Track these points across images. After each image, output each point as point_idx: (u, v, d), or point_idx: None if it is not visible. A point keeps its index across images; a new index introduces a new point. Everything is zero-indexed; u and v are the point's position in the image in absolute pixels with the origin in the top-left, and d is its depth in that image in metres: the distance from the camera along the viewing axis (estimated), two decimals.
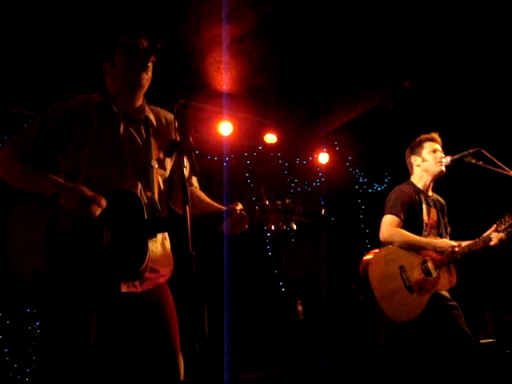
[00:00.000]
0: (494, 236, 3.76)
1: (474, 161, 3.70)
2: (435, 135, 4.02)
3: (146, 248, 2.28)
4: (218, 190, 6.07)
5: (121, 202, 2.32)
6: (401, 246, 3.74)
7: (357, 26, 4.88)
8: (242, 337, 5.71)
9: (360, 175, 7.66)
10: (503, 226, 3.77)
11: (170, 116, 2.65)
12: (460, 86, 5.82)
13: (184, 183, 2.01)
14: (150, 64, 2.46)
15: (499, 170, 3.59)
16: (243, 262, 6.25)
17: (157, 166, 2.48)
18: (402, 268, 3.69)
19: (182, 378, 2.33)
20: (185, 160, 2.08)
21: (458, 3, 4.60)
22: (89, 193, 2.25)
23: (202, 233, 2.34)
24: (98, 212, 2.25)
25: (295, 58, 5.39)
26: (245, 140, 6.70)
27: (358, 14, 4.75)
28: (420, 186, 3.94)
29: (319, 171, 7.37)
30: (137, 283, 2.32)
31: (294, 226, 2.42)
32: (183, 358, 2.37)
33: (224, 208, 2.44)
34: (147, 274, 2.31)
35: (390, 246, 3.77)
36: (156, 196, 2.44)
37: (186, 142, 2.10)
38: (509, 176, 3.58)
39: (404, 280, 3.66)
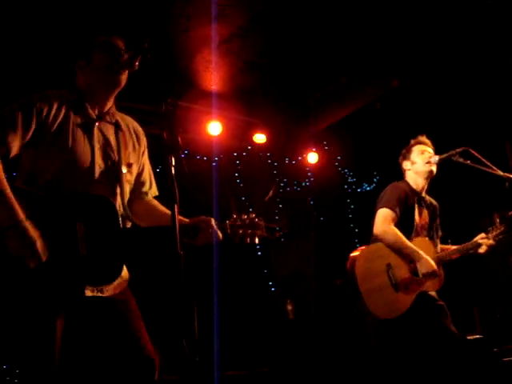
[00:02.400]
0: (484, 242, 3.76)
1: (461, 160, 3.72)
2: (423, 138, 4.04)
3: (121, 259, 2.28)
4: (206, 190, 6.08)
5: (95, 208, 2.27)
6: (389, 246, 3.73)
7: (346, 25, 4.90)
8: (231, 336, 5.71)
9: (349, 175, 7.68)
10: (494, 233, 3.77)
11: (136, 125, 2.64)
12: (448, 86, 5.85)
13: (172, 182, 2.01)
14: (136, 64, 2.43)
15: (487, 169, 3.61)
16: (232, 262, 6.24)
17: (126, 171, 2.45)
18: (388, 266, 3.70)
19: (156, 376, 2.31)
20: (173, 159, 2.07)
21: (447, 3, 4.62)
22: (36, 247, 2.11)
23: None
24: (33, 266, 2.12)
25: (284, 58, 5.40)
26: (234, 140, 6.70)
27: (348, 14, 4.77)
28: (414, 187, 3.96)
29: (308, 171, 7.38)
30: (103, 288, 2.28)
31: (257, 241, 2.47)
32: (172, 356, 2.37)
33: (187, 220, 2.42)
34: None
35: (378, 243, 3.77)
36: (126, 202, 2.41)
37: (173, 141, 2.09)
38: (496, 175, 3.60)
39: (390, 278, 3.67)
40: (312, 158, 7.13)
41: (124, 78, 2.45)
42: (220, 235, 2.41)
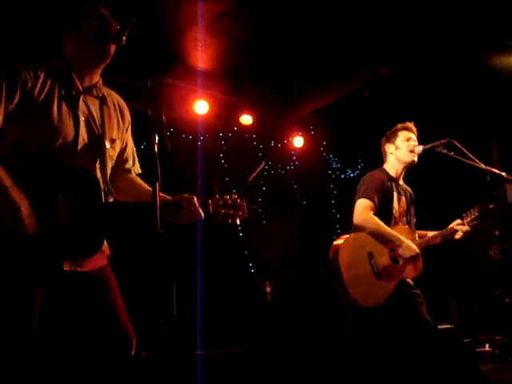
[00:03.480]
0: (459, 229, 3.82)
1: (445, 151, 3.73)
2: (410, 125, 4.04)
3: (103, 233, 2.25)
4: (191, 169, 6.06)
5: (78, 180, 2.24)
6: (370, 234, 3.77)
7: (335, 10, 4.88)
8: (209, 315, 5.73)
9: (334, 160, 7.70)
10: (469, 219, 3.84)
11: (122, 101, 2.59)
12: (436, 76, 5.86)
13: (155, 159, 2.00)
14: (123, 38, 2.39)
15: (469, 162, 3.63)
16: (213, 243, 6.26)
17: (109, 146, 2.40)
18: (370, 254, 3.73)
19: (132, 351, 2.31)
20: (156, 137, 2.05)
21: None
22: (21, 213, 2.08)
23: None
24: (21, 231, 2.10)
25: (273, 40, 5.37)
26: (220, 120, 6.67)
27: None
28: (392, 173, 3.98)
29: (293, 155, 7.39)
30: (81, 262, 2.25)
31: (238, 222, 2.46)
32: (148, 334, 2.37)
33: (170, 198, 2.39)
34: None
35: (360, 232, 3.79)
36: (108, 178, 2.38)
37: (157, 118, 2.07)
38: (478, 168, 3.62)
39: (372, 266, 3.70)
40: (297, 141, 7.13)
41: (113, 48, 2.38)
42: (202, 214, 2.38)
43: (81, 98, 2.37)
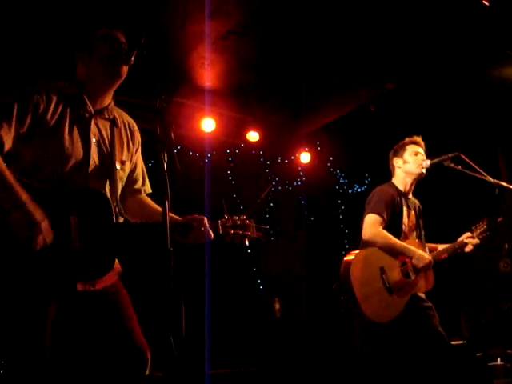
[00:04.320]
0: (469, 241, 3.81)
1: (453, 165, 3.73)
2: (418, 139, 4.05)
3: (113, 253, 2.28)
4: (198, 186, 6.08)
5: (89, 201, 2.27)
6: (381, 248, 3.75)
7: (342, 26, 4.91)
8: (218, 333, 5.71)
9: (341, 175, 7.70)
10: (478, 231, 3.83)
11: (132, 122, 2.63)
12: (443, 89, 5.88)
13: (164, 177, 2.01)
14: (132, 58, 2.42)
15: (477, 175, 3.62)
16: (222, 259, 6.25)
17: (119, 168, 2.45)
18: (382, 269, 3.71)
19: (148, 371, 2.32)
20: (164, 155, 2.07)
21: (443, 5, 4.64)
22: (40, 227, 2.13)
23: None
24: (39, 247, 2.14)
25: (279, 57, 5.40)
26: (227, 137, 6.69)
27: (344, 15, 4.77)
28: (401, 188, 3.97)
29: (300, 170, 7.39)
30: (94, 282, 2.28)
31: (247, 243, 2.52)
32: (159, 353, 2.37)
33: (180, 218, 2.43)
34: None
35: (370, 247, 3.78)
36: (118, 198, 2.42)
37: (166, 136, 2.09)
38: (486, 181, 3.62)
39: (384, 281, 3.68)
40: (304, 157, 7.14)
41: (125, 70, 2.43)
42: (212, 235, 2.42)
43: (92, 121, 2.41)
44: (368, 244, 3.79)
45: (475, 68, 5.50)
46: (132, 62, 2.42)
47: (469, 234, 3.86)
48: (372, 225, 3.75)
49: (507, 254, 5.94)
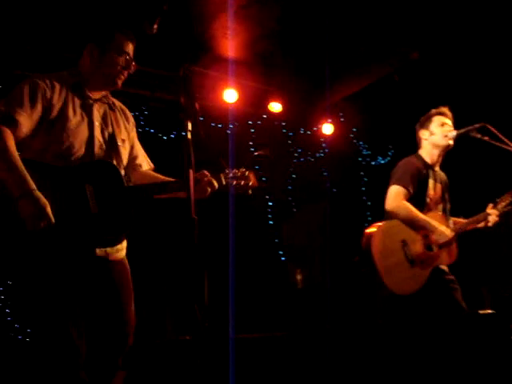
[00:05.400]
0: (492, 213, 3.77)
1: (479, 136, 3.68)
2: (445, 109, 3.98)
3: (130, 212, 2.46)
4: (221, 157, 6.07)
5: (99, 171, 2.48)
6: (403, 221, 3.73)
7: None
8: (239, 303, 5.77)
9: (364, 147, 7.63)
10: (503, 204, 3.79)
11: (124, 107, 2.86)
12: (469, 60, 5.75)
13: (188, 146, 2.02)
14: (155, 27, 2.46)
15: (504, 146, 3.57)
16: (244, 231, 6.28)
17: (120, 144, 2.68)
18: (404, 242, 3.70)
19: (129, 339, 2.54)
20: (189, 124, 2.08)
21: None
22: (47, 210, 2.28)
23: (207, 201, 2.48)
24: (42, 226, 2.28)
25: (302, 26, 5.33)
26: (249, 108, 6.66)
27: None
28: (428, 160, 3.92)
29: (323, 142, 7.35)
30: (108, 250, 2.49)
31: (250, 192, 2.79)
32: (184, 319, 2.47)
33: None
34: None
35: (392, 219, 3.76)
36: (123, 171, 2.65)
37: (190, 106, 2.10)
38: None
39: (406, 254, 3.67)
40: (327, 128, 7.08)
41: (123, 79, 2.70)
42: (216, 185, 2.66)
43: (94, 107, 2.65)
44: (390, 216, 3.77)
45: (503, 36, 5.36)
46: (155, 31, 2.46)
47: (492, 205, 3.82)
48: (396, 196, 3.72)
49: None
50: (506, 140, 3.55)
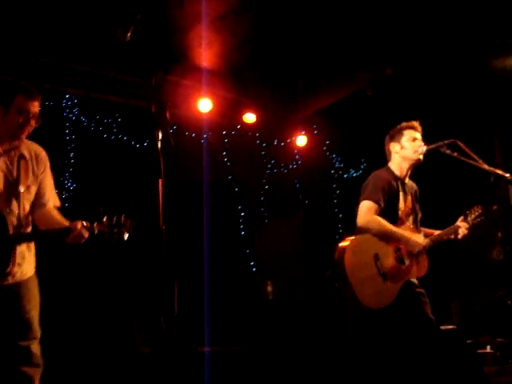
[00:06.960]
0: (462, 226, 3.81)
1: (449, 152, 3.71)
2: (416, 124, 4.01)
3: (10, 256, 2.81)
4: (195, 166, 6.06)
5: None
6: (375, 235, 3.74)
7: (341, 9, 4.86)
8: (210, 314, 5.73)
9: (337, 160, 7.69)
10: (472, 216, 3.83)
11: (39, 150, 3.12)
12: (441, 75, 5.84)
13: (158, 158, 2.00)
14: (128, 35, 2.43)
15: (473, 163, 3.61)
16: (215, 241, 6.25)
17: (23, 190, 2.96)
18: (376, 256, 3.70)
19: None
20: (159, 133, 2.06)
21: None
22: None
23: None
24: None
25: (277, 38, 5.36)
26: (224, 118, 6.66)
27: None
28: (397, 173, 3.95)
29: (296, 153, 7.38)
30: (8, 278, 2.86)
31: (126, 237, 2.95)
32: (151, 330, 2.42)
33: (67, 225, 2.94)
34: (15, 269, 2.87)
35: (366, 234, 3.77)
36: (22, 215, 2.96)
37: (161, 115, 2.08)
38: (482, 169, 3.61)
39: (378, 268, 3.68)
40: (301, 140, 7.12)
41: (26, 134, 2.97)
42: (86, 235, 2.89)
43: (1, 159, 2.94)
44: (362, 231, 3.78)
45: (474, 56, 5.47)
46: (128, 39, 2.43)
47: (462, 217, 3.87)
48: (367, 211, 3.73)
49: (500, 243, 5.96)
50: (474, 156, 3.59)
